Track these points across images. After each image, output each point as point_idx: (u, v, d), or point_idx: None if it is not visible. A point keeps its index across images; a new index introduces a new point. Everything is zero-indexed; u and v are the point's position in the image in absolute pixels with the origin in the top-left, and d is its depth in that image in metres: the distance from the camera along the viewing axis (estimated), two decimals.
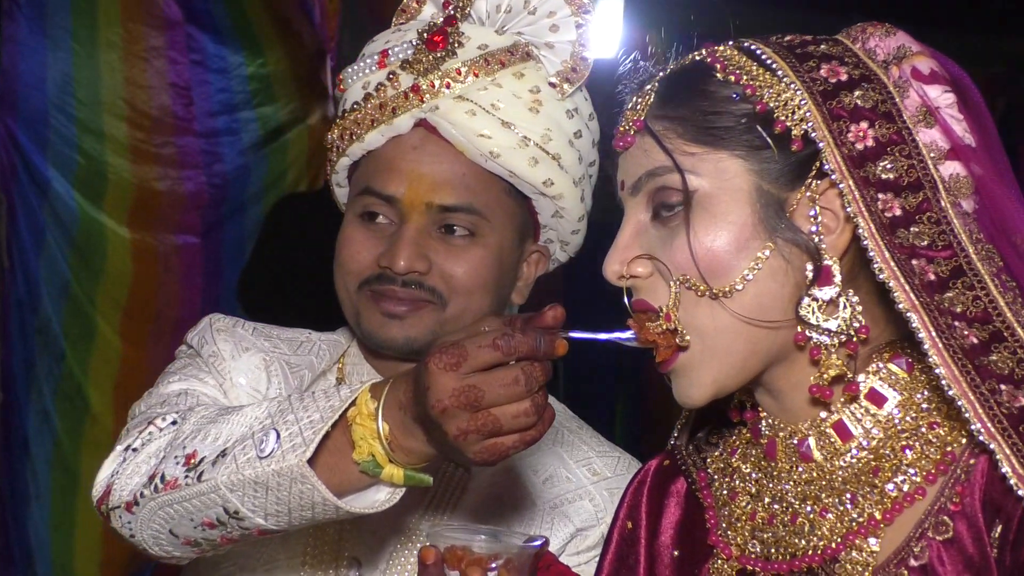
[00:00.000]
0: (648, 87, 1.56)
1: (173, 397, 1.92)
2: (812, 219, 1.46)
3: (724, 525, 1.59)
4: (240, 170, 5.48)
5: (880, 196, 1.43)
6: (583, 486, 2.07)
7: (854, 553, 1.46)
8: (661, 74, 1.57)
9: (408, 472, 1.54)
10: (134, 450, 1.74)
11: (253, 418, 1.63)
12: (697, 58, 1.55)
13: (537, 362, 1.45)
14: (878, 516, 1.46)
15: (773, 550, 1.53)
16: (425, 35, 1.98)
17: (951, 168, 1.45)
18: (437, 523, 1.74)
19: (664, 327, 1.50)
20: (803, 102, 1.46)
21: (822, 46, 1.51)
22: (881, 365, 1.50)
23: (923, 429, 1.47)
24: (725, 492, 1.62)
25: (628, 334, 1.52)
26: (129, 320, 5.02)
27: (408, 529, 2.00)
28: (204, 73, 5.20)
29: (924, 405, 1.48)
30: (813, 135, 1.45)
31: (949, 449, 1.45)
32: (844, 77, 1.47)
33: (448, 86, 1.95)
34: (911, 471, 1.46)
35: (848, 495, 1.48)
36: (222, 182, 5.36)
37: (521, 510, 2.03)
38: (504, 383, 1.43)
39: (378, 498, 1.58)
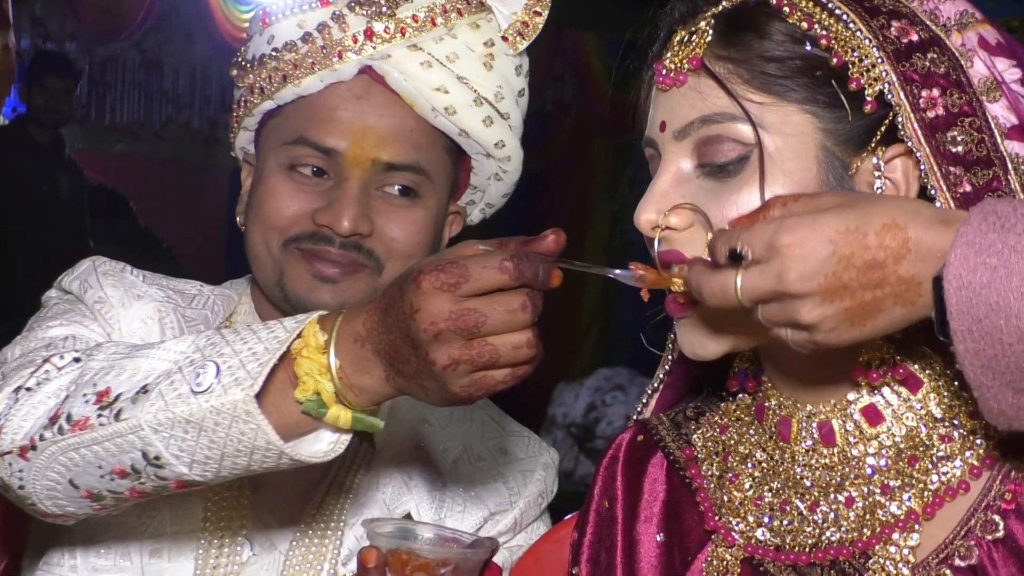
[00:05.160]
0: (703, 22, 1.42)
1: (59, 341, 1.69)
2: (875, 189, 1.37)
3: (724, 510, 1.47)
4: None
5: (951, 169, 1.34)
6: (495, 468, 1.94)
7: (891, 548, 1.37)
8: (714, 8, 1.43)
9: (357, 414, 1.37)
10: (28, 390, 1.50)
11: (178, 352, 1.43)
12: None
13: (536, 291, 1.30)
14: (918, 510, 1.37)
15: (788, 539, 1.42)
16: None
17: (1015, 146, 1.38)
18: (375, 519, 1.56)
19: None
20: (880, 60, 1.36)
21: (886, 1, 1.40)
22: (916, 348, 1.41)
23: (961, 418, 1.39)
24: (717, 473, 1.51)
25: (625, 271, 1.38)
26: None
27: (310, 509, 1.83)
28: None
29: (963, 393, 1.40)
30: (888, 97, 1.35)
31: (995, 442, 1.37)
32: (915, 38, 1.38)
33: (403, 32, 1.79)
34: (954, 463, 1.38)
35: (880, 485, 1.39)
36: None
37: (431, 492, 1.89)
38: (510, 309, 1.28)
39: (318, 448, 1.40)
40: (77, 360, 1.52)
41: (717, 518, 1.48)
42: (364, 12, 1.78)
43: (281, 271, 1.80)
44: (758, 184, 1.36)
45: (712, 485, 1.51)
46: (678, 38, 1.44)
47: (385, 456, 1.88)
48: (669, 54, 1.44)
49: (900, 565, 1.36)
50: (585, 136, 8.59)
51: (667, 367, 1.65)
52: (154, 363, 1.43)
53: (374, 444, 1.87)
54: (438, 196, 1.85)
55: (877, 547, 1.37)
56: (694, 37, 1.42)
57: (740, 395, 1.55)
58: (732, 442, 1.52)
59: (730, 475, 1.50)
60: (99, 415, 1.42)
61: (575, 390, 6.35)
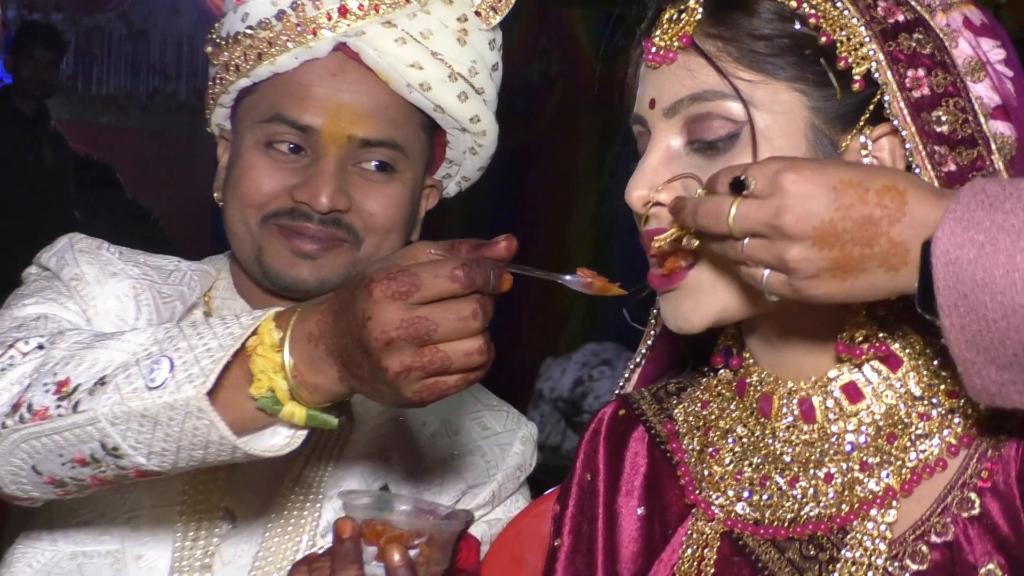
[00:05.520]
0: (692, 1, 1.43)
1: (31, 321, 1.69)
2: None
3: (704, 484, 1.49)
4: None
5: (936, 149, 1.35)
6: (473, 441, 1.96)
7: (868, 524, 1.38)
8: None
9: (311, 411, 1.38)
10: None
11: (137, 344, 1.44)
12: None
13: (487, 296, 1.31)
14: (896, 487, 1.38)
15: (767, 514, 1.44)
16: None
17: (999, 126, 1.39)
18: (351, 491, 1.57)
19: (675, 234, 1.37)
20: (868, 39, 1.37)
21: None
22: (898, 327, 1.42)
23: (940, 397, 1.40)
24: (698, 448, 1.52)
25: (573, 277, 1.38)
26: None
27: (288, 482, 1.83)
28: None
29: (942, 372, 1.41)
30: (875, 76, 1.36)
31: (972, 420, 1.38)
32: (901, 18, 1.39)
33: (377, 9, 1.79)
34: (932, 441, 1.39)
35: (858, 462, 1.40)
36: None
37: (409, 465, 1.90)
38: (461, 316, 1.29)
39: (275, 442, 1.42)
40: (41, 347, 1.52)
41: (697, 492, 1.49)
42: None
43: (259, 247, 1.81)
44: (749, 161, 1.36)
45: (693, 459, 1.52)
46: (667, 16, 1.44)
47: (364, 429, 1.89)
48: (658, 32, 1.44)
49: (877, 541, 1.37)
50: (572, 110, 8.58)
51: (649, 342, 1.65)
52: (113, 354, 1.44)
53: (353, 417, 1.88)
54: (414, 171, 1.86)
55: (855, 523, 1.38)
56: (683, 15, 1.42)
57: (722, 371, 1.56)
58: (713, 417, 1.53)
59: (711, 450, 1.51)
60: (58, 406, 1.43)
61: (562, 365, 6.37)
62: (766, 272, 1.24)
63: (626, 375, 1.67)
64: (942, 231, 1.15)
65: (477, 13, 1.85)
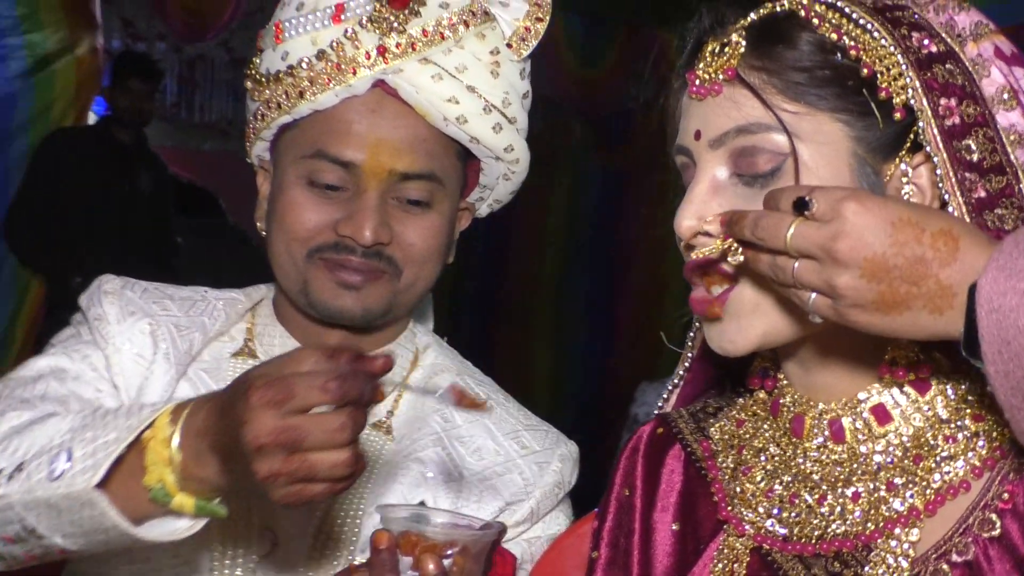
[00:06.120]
0: (735, 35, 1.45)
1: (30, 382, 1.78)
2: (905, 196, 1.41)
3: (736, 500, 1.52)
4: (7, 99, 5.35)
5: (967, 176, 1.38)
6: (512, 459, 1.98)
7: (892, 543, 1.40)
8: (744, 20, 1.46)
9: (199, 503, 1.45)
10: None
11: (56, 430, 1.54)
12: (781, 8, 1.45)
13: (359, 409, 1.38)
14: (920, 507, 1.40)
15: (796, 531, 1.46)
16: None
17: None
18: (389, 504, 1.63)
19: (721, 247, 1.40)
20: (905, 68, 1.39)
21: (905, 12, 1.44)
22: (928, 351, 1.44)
23: (967, 420, 1.42)
24: (731, 466, 1.56)
25: (443, 392, 1.48)
26: None
27: (328, 500, 1.87)
28: None
29: (969, 397, 1.43)
30: (912, 103, 1.39)
31: (997, 444, 1.41)
32: (934, 49, 1.41)
33: (414, 47, 1.85)
34: (957, 463, 1.41)
35: (885, 482, 1.43)
36: None
37: (448, 483, 1.93)
38: (330, 429, 1.35)
39: (178, 526, 1.48)
40: None
41: (729, 508, 1.52)
42: (375, 29, 1.83)
43: (305, 280, 1.87)
44: None
45: (726, 477, 1.55)
46: (710, 49, 1.47)
47: (403, 447, 1.92)
48: (702, 64, 1.46)
49: (900, 559, 1.39)
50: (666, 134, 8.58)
51: (687, 364, 1.69)
52: (37, 439, 1.53)
53: (392, 435, 1.93)
54: (450, 200, 1.92)
55: (879, 541, 1.40)
56: (727, 48, 1.45)
57: (758, 391, 1.59)
58: (747, 436, 1.56)
59: (743, 468, 1.54)
60: None
61: (657, 390, 6.31)
62: (813, 294, 1.27)
63: (664, 396, 1.71)
64: (985, 279, 1.17)
65: (508, 45, 1.90)
